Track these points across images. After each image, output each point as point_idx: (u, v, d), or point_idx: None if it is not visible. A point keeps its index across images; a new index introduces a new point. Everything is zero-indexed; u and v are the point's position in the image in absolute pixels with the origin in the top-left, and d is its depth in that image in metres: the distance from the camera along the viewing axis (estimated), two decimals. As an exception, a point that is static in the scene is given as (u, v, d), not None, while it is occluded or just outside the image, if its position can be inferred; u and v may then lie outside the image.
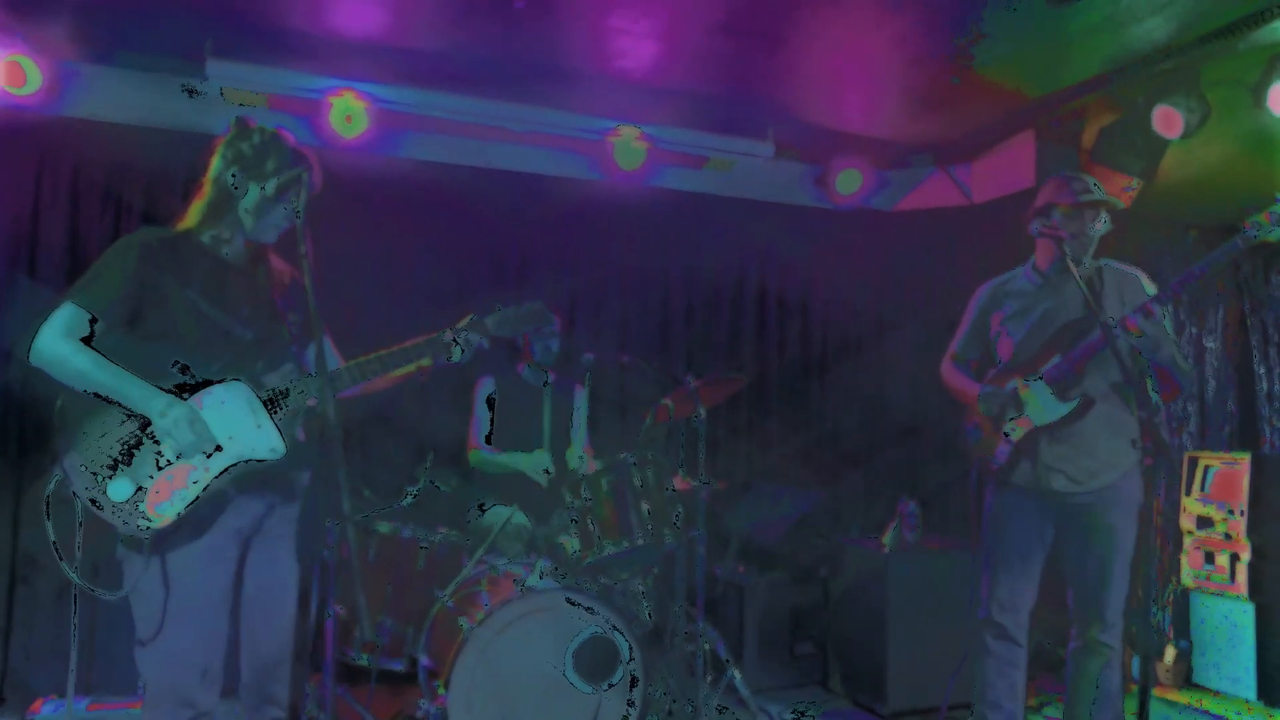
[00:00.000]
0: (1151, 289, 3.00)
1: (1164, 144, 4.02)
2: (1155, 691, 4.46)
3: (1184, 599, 4.67)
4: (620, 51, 3.89)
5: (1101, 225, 3.00)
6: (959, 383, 3.29)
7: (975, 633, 3.20)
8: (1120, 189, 4.28)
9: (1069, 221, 2.99)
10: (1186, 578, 4.67)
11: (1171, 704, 4.34)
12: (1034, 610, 3.15)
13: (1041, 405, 3.01)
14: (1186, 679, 4.58)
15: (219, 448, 2.13)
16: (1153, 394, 2.93)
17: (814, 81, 4.17)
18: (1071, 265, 2.72)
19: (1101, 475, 2.99)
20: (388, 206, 4.50)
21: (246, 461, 2.15)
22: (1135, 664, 4.58)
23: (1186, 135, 3.85)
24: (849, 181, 5.00)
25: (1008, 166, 4.75)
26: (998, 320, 3.23)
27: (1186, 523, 4.69)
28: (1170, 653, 4.57)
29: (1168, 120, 3.84)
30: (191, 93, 3.93)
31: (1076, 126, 4.47)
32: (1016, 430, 3.05)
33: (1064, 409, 2.97)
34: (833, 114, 4.59)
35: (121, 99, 3.99)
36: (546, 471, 3.72)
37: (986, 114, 4.46)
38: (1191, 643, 4.59)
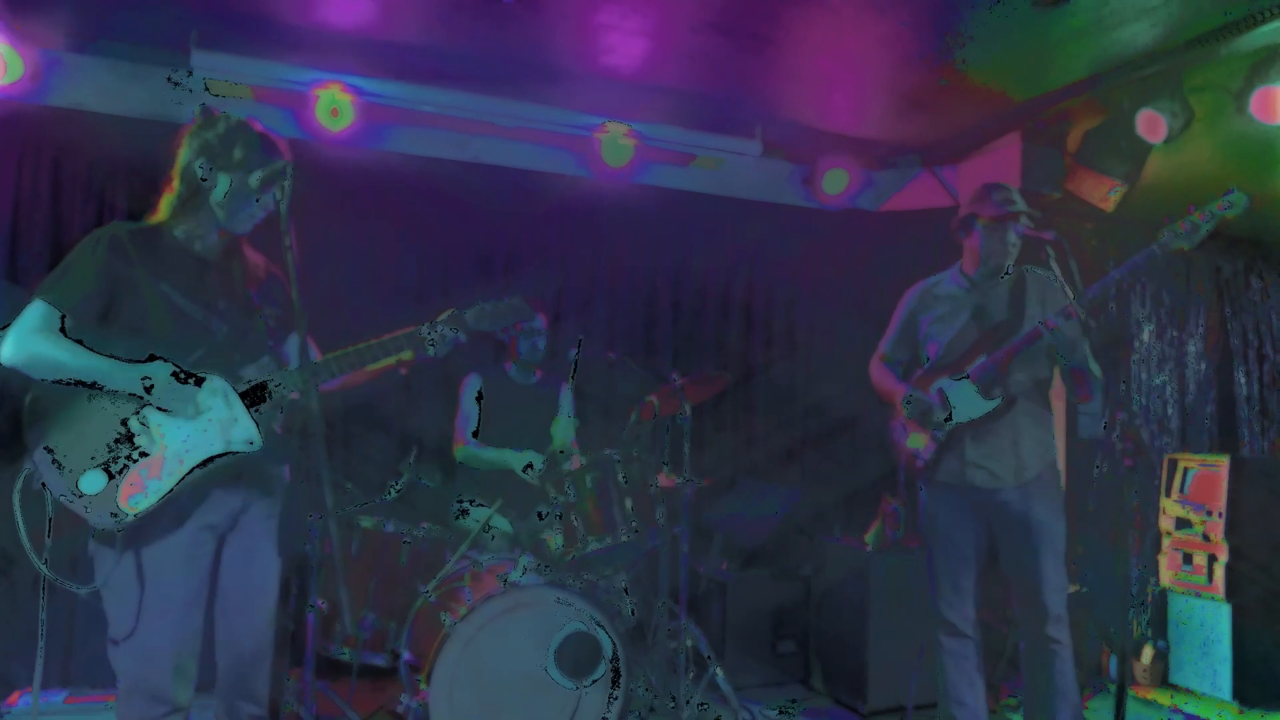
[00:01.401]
0: (1069, 293, 3.06)
1: (1148, 148, 4.06)
2: (1132, 691, 4.50)
3: (1162, 599, 4.71)
4: (609, 48, 3.89)
5: (1018, 237, 3.09)
6: (886, 383, 3.38)
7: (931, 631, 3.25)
8: (1104, 192, 4.32)
9: (990, 232, 3.11)
10: (1164, 578, 4.71)
11: (1148, 703, 4.38)
12: (990, 604, 3.22)
13: (965, 403, 3.09)
14: (1163, 678, 4.63)
15: (204, 418, 2.10)
16: (1070, 394, 3.10)
17: (802, 81, 4.18)
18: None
19: (1022, 472, 3.08)
20: (373, 200, 4.48)
21: (222, 455, 2.13)
22: (1113, 663, 4.63)
23: (1170, 139, 3.90)
24: (836, 181, 5.02)
25: (994, 168, 4.77)
26: (926, 322, 3.32)
27: (1165, 524, 4.73)
28: (1148, 652, 4.61)
29: (1152, 124, 3.89)
30: (176, 84, 3.89)
31: (1062, 129, 4.50)
32: (945, 430, 3.13)
33: (987, 406, 3.07)
34: (820, 113, 4.60)
35: (105, 89, 3.96)
36: (530, 467, 3.71)
37: (973, 115, 4.49)
38: (1169, 643, 4.63)
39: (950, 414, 3.11)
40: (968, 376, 3.10)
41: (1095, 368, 3.02)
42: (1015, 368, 3.06)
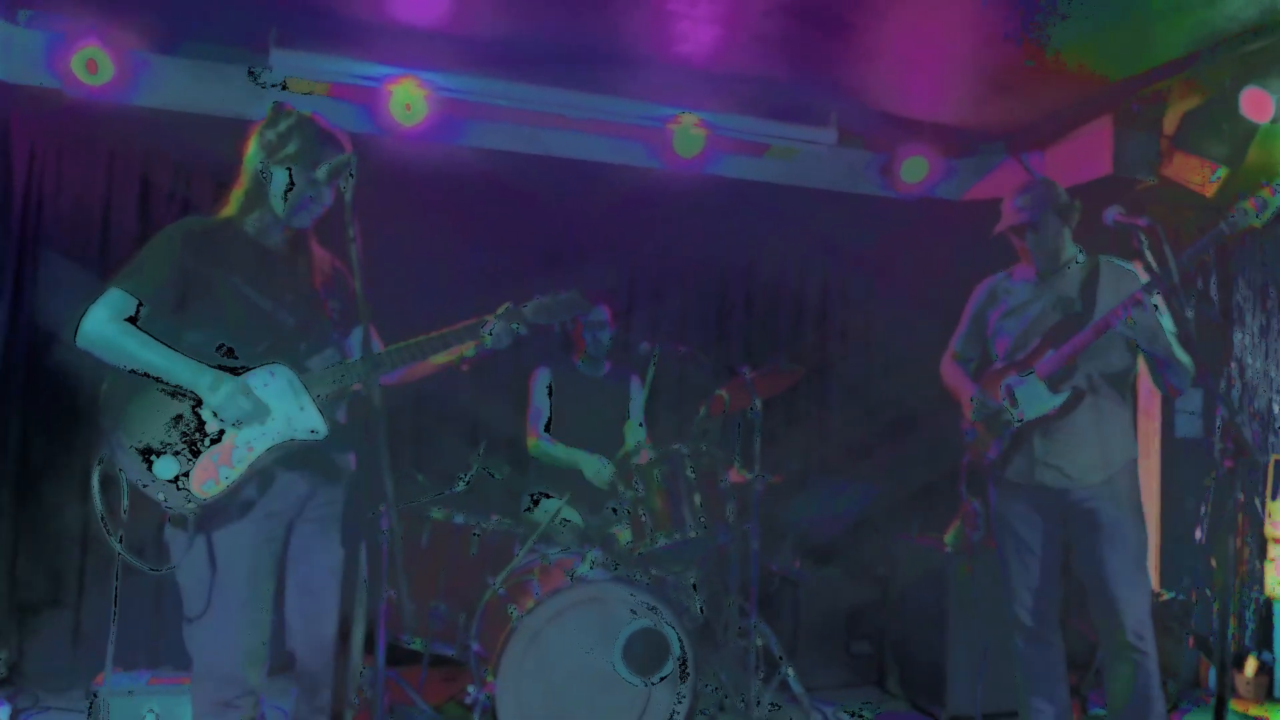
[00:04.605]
0: (1143, 280, 2.89)
1: (1252, 129, 3.82)
2: (1234, 705, 4.27)
3: (1267, 609, 4.46)
4: (680, 36, 3.84)
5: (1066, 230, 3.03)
6: (957, 382, 3.29)
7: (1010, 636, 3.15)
8: (1206, 177, 4.08)
9: (1018, 235, 3.08)
10: (1271, 587, 4.45)
11: (1251, 718, 4.15)
12: (1078, 610, 3.07)
13: (1033, 399, 2.96)
14: (1269, 692, 4.38)
15: (270, 418, 2.14)
16: (1158, 387, 2.93)
17: (879, 65, 4.06)
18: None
19: (1094, 471, 2.93)
20: (444, 195, 4.51)
21: (289, 442, 2.18)
22: (1212, 675, 4.40)
23: (1277, 119, 3.66)
24: (914, 170, 4.86)
25: (1084, 154, 4.56)
26: (995, 317, 3.21)
27: (1272, 530, 4.47)
28: (1251, 665, 4.37)
29: (1257, 103, 3.66)
30: (258, 83, 3.99)
31: (1158, 111, 4.27)
32: (1013, 428, 3.02)
33: (1054, 402, 2.92)
34: (898, 99, 4.47)
35: (189, 89, 4.07)
36: (598, 475, 3.70)
37: (1062, 98, 4.30)
38: (1275, 655, 4.38)
39: (1019, 413, 2.99)
40: (1034, 372, 2.97)
41: (1184, 357, 2.82)
42: (1084, 361, 2.91)
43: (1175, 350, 2.82)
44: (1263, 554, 4.52)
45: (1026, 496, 3.04)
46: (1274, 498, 4.49)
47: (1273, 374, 5.16)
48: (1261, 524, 4.55)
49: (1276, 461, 4.54)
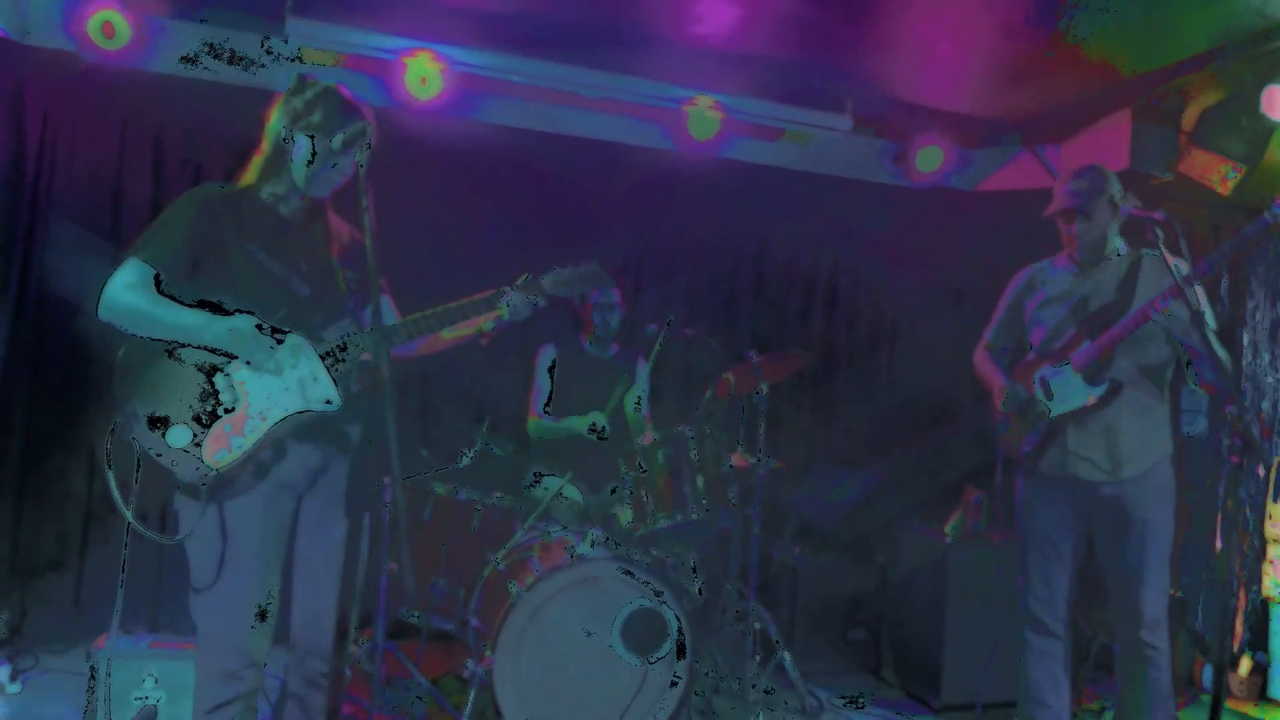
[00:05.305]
0: (1180, 273, 2.86)
1: (1272, 128, 3.78)
2: (1228, 704, 4.27)
3: (1263, 610, 4.46)
4: (697, 16, 3.80)
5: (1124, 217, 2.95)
6: (989, 373, 3.26)
7: (1017, 628, 3.14)
8: (1221, 174, 4.04)
9: (1069, 220, 3.01)
10: (1268, 588, 4.44)
11: (1244, 717, 4.15)
12: (1078, 604, 3.08)
13: (1068, 391, 2.93)
14: (1262, 692, 4.38)
15: (285, 387, 2.14)
16: (1193, 385, 2.88)
17: (896, 51, 4.02)
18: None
19: (1131, 465, 2.90)
20: (458, 170, 4.51)
21: (301, 412, 2.17)
22: (1206, 673, 4.41)
23: (1299, 118, 3.62)
24: (930, 159, 4.83)
25: (1101, 148, 4.52)
26: (1032, 306, 3.17)
27: (1272, 530, 4.46)
28: (1246, 664, 4.37)
29: (1278, 102, 3.61)
30: (269, 51, 3.97)
31: (1177, 106, 4.22)
32: (1047, 420, 2.99)
33: (1091, 393, 2.90)
34: (915, 87, 4.43)
35: (204, 55, 4.05)
36: (594, 428, 3.67)
37: (1080, 90, 4.25)
38: (1270, 655, 4.38)
39: (1052, 404, 2.96)
40: (1070, 363, 2.94)
41: (1222, 352, 2.74)
42: (1121, 353, 2.88)
43: (1214, 344, 2.75)
44: (1262, 555, 4.52)
45: (1058, 489, 3.01)
46: (1275, 499, 4.48)
47: (1269, 376, 5.14)
48: (1262, 524, 4.54)
49: (1278, 463, 4.53)
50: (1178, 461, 3.00)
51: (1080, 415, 2.93)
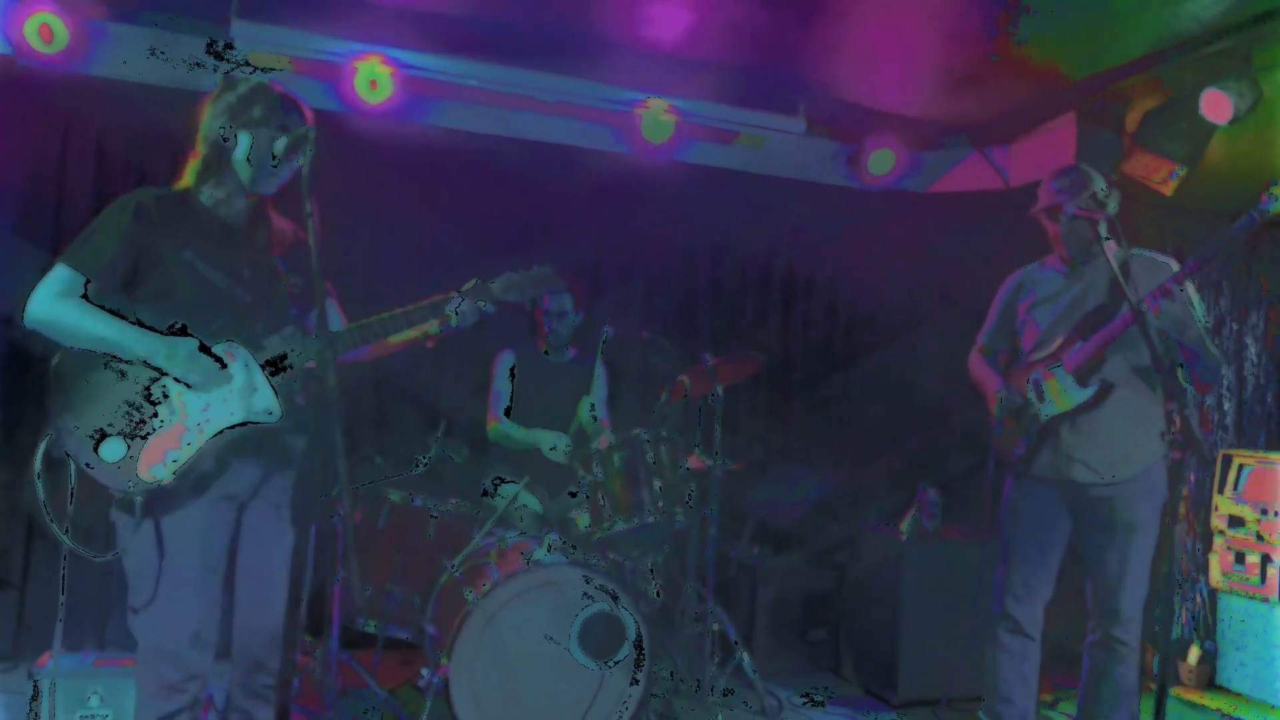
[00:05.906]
0: (1171, 271, 2.91)
1: (1211, 129, 3.87)
2: (1177, 692, 4.36)
3: (1211, 600, 4.56)
4: (650, 19, 3.81)
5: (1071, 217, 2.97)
6: (983, 376, 3.26)
7: (987, 626, 3.16)
8: (1164, 175, 4.13)
9: (1051, 219, 3.04)
10: (1214, 578, 4.55)
11: (1193, 705, 4.24)
12: (1049, 604, 3.10)
13: (1060, 393, 2.95)
14: (1210, 681, 4.48)
15: (224, 397, 2.09)
16: (1185, 383, 2.89)
17: (847, 55, 4.06)
18: (1108, 251, 2.63)
19: (1124, 467, 2.92)
20: (410, 174, 4.45)
21: (241, 424, 2.12)
22: (1155, 662, 4.49)
23: (1236, 120, 3.70)
24: (882, 161, 4.89)
25: (1047, 149, 4.61)
26: (1024, 308, 3.18)
27: (1217, 522, 4.56)
28: (1194, 653, 4.46)
29: (1216, 104, 3.70)
30: (215, 55, 3.89)
31: (1120, 109, 4.31)
32: (1040, 422, 3.00)
33: (1083, 395, 2.91)
34: (867, 91, 4.48)
35: (146, 59, 3.97)
36: (554, 449, 3.67)
37: (1026, 94, 4.33)
38: (1217, 644, 4.48)
39: (1044, 406, 2.97)
40: (1062, 365, 2.96)
41: (1214, 350, 2.79)
42: (1113, 354, 2.89)
43: (1206, 342, 2.79)
44: (1208, 546, 4.62)
45: (1049, 491, 3.01)
46: (1220, 492, 4.59)
47: (1225, 372, 5.27)
48: (1208, 516, 4.64)
49: (1224, 456, 4.63)
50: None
51: (1073, 416, 2.94)
